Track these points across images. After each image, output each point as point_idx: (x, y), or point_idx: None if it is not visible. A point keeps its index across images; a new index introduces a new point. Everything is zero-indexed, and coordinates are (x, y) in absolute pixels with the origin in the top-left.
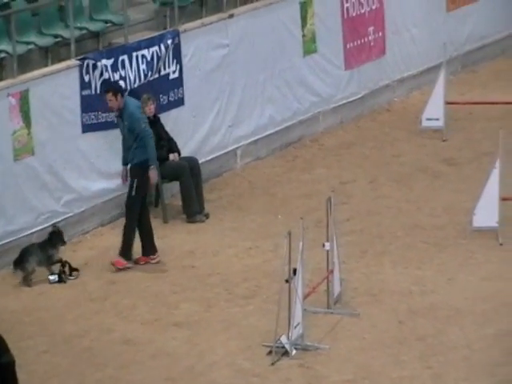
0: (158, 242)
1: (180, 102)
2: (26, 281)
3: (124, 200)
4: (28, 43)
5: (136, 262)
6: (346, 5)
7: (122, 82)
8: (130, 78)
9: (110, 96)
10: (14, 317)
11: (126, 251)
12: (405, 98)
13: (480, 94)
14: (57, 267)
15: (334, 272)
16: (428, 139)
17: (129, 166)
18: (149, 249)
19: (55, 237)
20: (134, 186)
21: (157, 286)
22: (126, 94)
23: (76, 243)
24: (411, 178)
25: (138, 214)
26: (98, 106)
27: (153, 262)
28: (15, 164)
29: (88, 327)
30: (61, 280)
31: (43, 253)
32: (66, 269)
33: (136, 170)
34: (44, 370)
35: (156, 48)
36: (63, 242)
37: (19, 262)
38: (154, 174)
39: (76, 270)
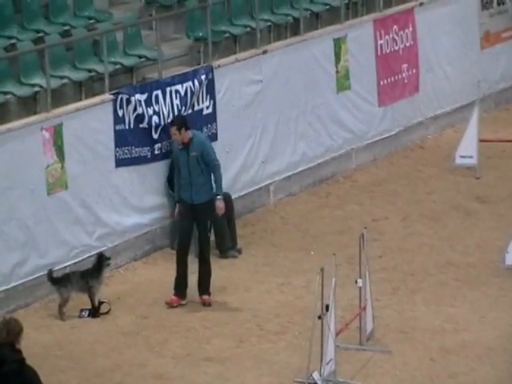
0: (190, 277)
1: (213, 137)
2: (61, 309)
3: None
4: (62, 77)
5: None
6: (379, 42)
7: (155, 117)
8: (163, 113)
9: (174, 130)
10: (45, 350)
11: (209, 286)
12: (438, 136)
13: None
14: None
15: (367, 309)
16: (461, 177)
17: (189, 202)
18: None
19: (98, 265)
20: (207, 224)
21: (188, 321)
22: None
23: (109, 277)
24: (444, 215)
25: None
26: (132, 141)
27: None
28: (48, 198)
29: (120, 362)
30: (93, 315)
31: (83, 281)
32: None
33: (208, 208)
34: None
35: (190, 83)
36: (109, 260)
37: (58, 283)
38: (222, 205)
39: (104, 302)
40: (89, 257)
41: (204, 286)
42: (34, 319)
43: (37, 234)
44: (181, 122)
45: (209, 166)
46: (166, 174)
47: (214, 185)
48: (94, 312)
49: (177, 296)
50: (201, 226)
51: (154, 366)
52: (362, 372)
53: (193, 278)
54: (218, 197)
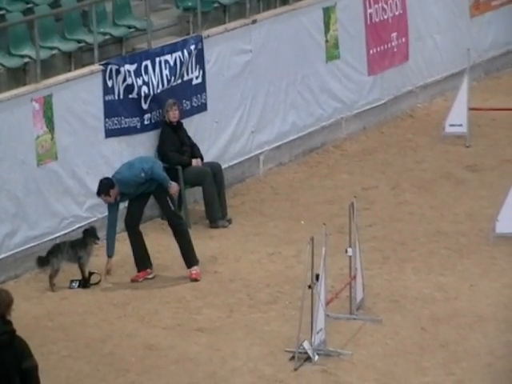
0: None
1: (203, 107)
2: (51, 280)
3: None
4: (51, 48)
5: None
6: (369, 11)
7: (144, 87)
8: (153, 83)
9: (103, 197)
10: (36, 322)
11: (195, 258)
12: (428, 104)
13: (503, 101)
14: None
15: (357, 278)
16: (451, 145)
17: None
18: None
19: (87, 236)
20: (169, 201)
21: (179, 292)
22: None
23: (98, 248)
24: (434, 184)
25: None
26: (121, 111)
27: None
28: (38, 169)
29: (110, 332)
30: (83, 286)
31: (73, 251)
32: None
33: (160, 191)
34: (66, 374)
35: (179, 53)
36: (96, 238)
37: (46, 258)
38: (174, 189)
39: (94, 273)
40: (79, 227)
41: (188, 257)
42: (25, 290)
43: (27, 205)
44: (104, 187)
45: (147, 175)
46: (156, 144)
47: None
48: (85, 283)
49: (140, 270)
50: (162, 205)
51: (145, 336)
52: (352, 341)
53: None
54: (168, 187)
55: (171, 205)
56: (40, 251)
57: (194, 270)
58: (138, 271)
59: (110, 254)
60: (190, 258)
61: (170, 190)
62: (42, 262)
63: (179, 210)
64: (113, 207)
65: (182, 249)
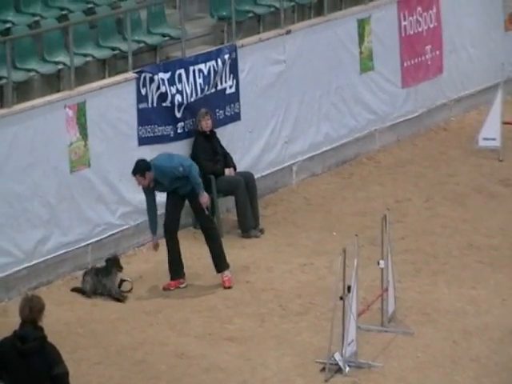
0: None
1: (236, 116)
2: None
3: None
4: (85, 55)
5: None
6: (403, 23)
7: (178, 96)
8: (186, 91)
9: (138, 177)
10: (67, 328)
11: (226, 263)
12: (461, 118)
13: None
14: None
15: (389, 290)
16: (484, 159)
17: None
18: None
19: (110, 265)
20: (204, 207)
21: (210, 300)
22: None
23: (131, 256)
24: (467, 197)
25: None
26: (155, 120)
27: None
28: (71, 176)
29: (141, 340)
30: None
31: (97, 279)
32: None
33: (194, 194)
34: (97, 381)
35: (213, 62)
36: (120, 268)
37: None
38: (205, 199)
39: (126, 280)
40: (111, 235)
41: (219, 261)
42: (57, 296)
43: (59, 212)
44: (141, 167)
45: (183, 175)
46: (189, 152)
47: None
48: (118, 300)
49: (173, 279)
50: (197, 209)
51: (176, 344)
52: (383, 353)
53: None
54: (200, 193)
55: (205, 208)
56: (72, 257)
57: (226, 275)
58: (171, 279)
59: (153, 231)
60: (220, 263)
61: (201, 198)
62: (79, 291)
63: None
64: (149, 192)
65: (212, 253)
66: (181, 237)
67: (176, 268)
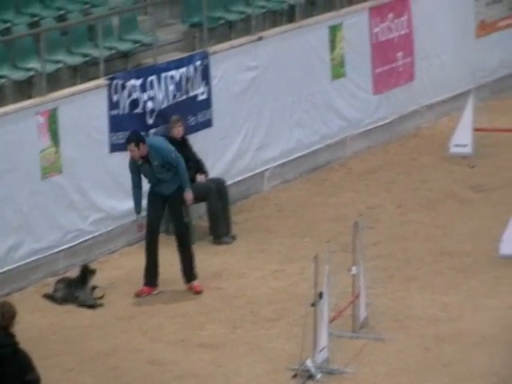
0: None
1: (208, 123)
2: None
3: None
4: (57, 62)
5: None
6: (375, 29)
7: (150, 103)
8: (158, 98)
9: (132, 147)
10: (40, 334)
11: (195, 273)
12: (433, 124)
13: (509, 122)
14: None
15: (360, 296)
16: (456, 165)
17: (160, 193)
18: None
19: (84, 275)
20: (184, 211)
21: (183, 307)
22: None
23: (103, 262)
24: (439, 203)
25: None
26: (126, 126)
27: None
28: (43, 182)
29: (114, 346)
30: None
31: (69, 291)
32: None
33: (180, 195)
34: None
35: (185, 69)
36: (92, 274)
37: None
38: (190, 196)
39: (97, 287)
40: (83, 241)
41: (189, 272)
42: (29, 303)
43: (31, 218)
44: (137, 137)
45: (172, 165)
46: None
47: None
48: (91, 307)
49: (147, 285)
50: (175, 213)
51: (149, 351)
52: (355, 360)
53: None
54: (186, 189)
55: (184, 214)
56: (45, 264)
57: (196, 283)
58: (145, 285)
59: (138, 211)
60: (190, 273)
61: (187, 194)
62: (50, 298)
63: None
64: (135, 170)
65: (183, 262)
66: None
67: (151, 275)
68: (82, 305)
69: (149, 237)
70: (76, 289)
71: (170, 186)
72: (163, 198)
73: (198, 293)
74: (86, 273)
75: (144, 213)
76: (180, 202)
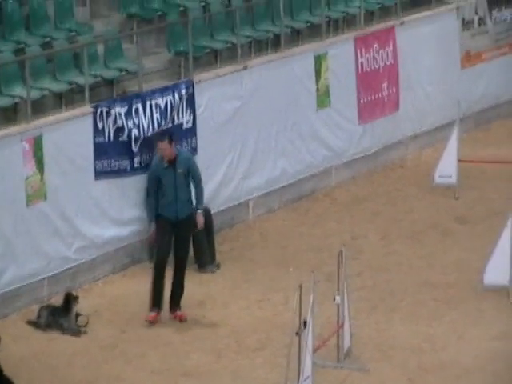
0: (169, 291)
1: (193, 152)
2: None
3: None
4: (42, 89)
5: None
6: (360, 59)
7: (135, 130)
8: (143, 125)
9: (165, 144)
10: (23, 362)
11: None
12: (418, 155)
13: (493, 153)
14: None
15: (345, 326)
16: (440, 196)
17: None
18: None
19: (68, 303)
20: (190, 238)
21: (167, 336)
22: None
23: (87, 290)
24: (423, 234)
25: None
26: (111, 153)
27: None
28: (27, 209)
29: (98, 374)
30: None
31: (54, 319)
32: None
33: (191, 221)
34: None
35: (170, 97)
36: (76, 302)
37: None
38: (202, 220)
39: (81, 315)
40: (67, 269)
41: (178, 300)
42: (12, 330)
43: (16, 245)
44: (171, 135)
45: (194, 180)
46: (145, 186)
47: (194, 199)
48: (75, 334)
49: (155, 312)
50: (184, 240)
51: (132, 379)
52: None
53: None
54: (199, 211)
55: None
56: (28, 291)
57: (180, 311)
58: (154, 311)
59: (151, 220)
60: (178, 301)
61: (199, 217)
62: (33, 324)
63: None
64: (154, 178)
65: (176, 289)
66: (137, 272)
67: (160, 300)
68: (66, 332)
69: (160, 265)
70: (60, 316)
71: (184, 207)
72: (172, 225)
73: (183, 321)
74: (70, 300)
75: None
76: (190, 229)
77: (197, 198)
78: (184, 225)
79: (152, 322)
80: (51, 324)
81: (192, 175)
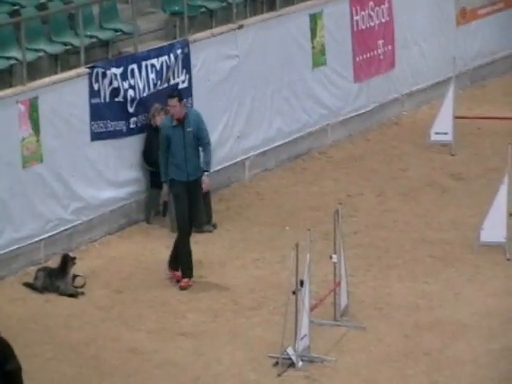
0: (166, 252)
1: None
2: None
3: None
4: (38, 50)
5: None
6: (355, 18)
7: (131, 91)
8: (139, 86)
9: (175, 102)
10: (20, 324)
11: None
12: (414, 112)
13: (489, 110)
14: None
15: (341, 284)
16: (436, 154)
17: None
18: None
19: (65, 264)
20: (205, 189)
21: (164, 296)
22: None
23: (83, 251)
24: (419, 192)
25: None
26: (107, 115)
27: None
28: (24, 171)
29: (94, 335)
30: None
31: (50, 281)
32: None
33: (200, 182)
34: (50, 377)
35: (165, 57)
36: (73, 263)
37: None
38: (208, 182)
39: (79, 276)
40: (64, 230)
41: (192, 268)
42: (9, 292)
43: (12, 207)
44: (180, 93)
45: (201, 141)
46: (142, 148)
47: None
48: (71, 296)
49: (187, 277)
50: (198, 200)
51: (129, 340)
52: (336, 348)
53: (166, 253)
54: (206, 173)
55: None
56: (25, 253)
57: (185, 279)
58: (186, 277)
59: (165, 179)
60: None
61: (205, 179)
62: (30, 286)
63: (164, 214)
64: (163, 136)
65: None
66: (134, 232)
67: (191, 268)
68: (63, 294)
69: (183, 232)
70: (57, 278)
71: (194, 169)
72: (187, 186)
73: (183, 289)
74: (67, 261)
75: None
76: (201, 189)
77: (204, 160)
78: (195, 185)
79: (185, 288)
80: (48, 286)
81: (199, 135)
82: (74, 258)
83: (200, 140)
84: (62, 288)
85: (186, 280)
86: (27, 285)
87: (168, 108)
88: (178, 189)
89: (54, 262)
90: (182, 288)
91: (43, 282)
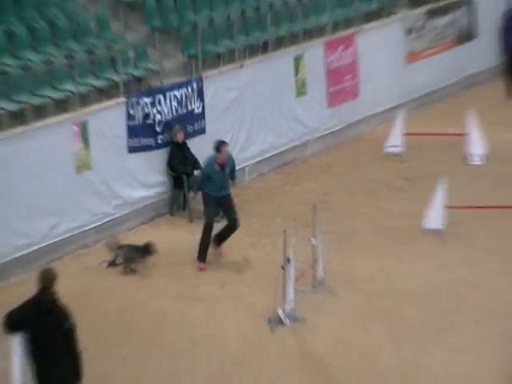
0: (186, 238)
1: (202, 131)
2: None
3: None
4: (87, 85)
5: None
6: (329, 59)
7: (158, 115)
8: (164, 112)
9: (227, 148)
10: (73, 295)
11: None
12: (373, 130)
13: (431, 128)
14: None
15: (318, 261)
16: (391, 162)
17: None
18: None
19: (149, 248)
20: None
21: (183, 271)
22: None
23: (122, 238)
24: (378, 191)
25: None
26: (140, 133)
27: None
28: (76, 176)
29: (129, 303)
30: (113, 265)
31: (135, 253)
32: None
33: (230, 197)
34: (97, 333)
35: (184, 90)
36: (154, 251)
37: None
38: (234, 188)
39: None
40: (107, 221)
41: (225, 239)
42: (65, 269)
43: (67, 204)
44: (223, 142)
45: (232, 175)
46: (167, 158)
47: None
48: (112, 264)
49: (203, 263)
50: (231, 208)
51: (156, 305)
52: (315, 310)
53: (186, 238)
54: (235, 181)
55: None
56: (78, 239)
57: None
58: (202, 262)
59: (199, 190)
60: (224, 239)
61: (235, 184)
62: (112, 264)
63: (184, 208)
64: (204, 175)
65: (223, 240)
66: (161, 223)
67: (206, 256)
68: (131, 268)
69: (208, 228)
70: (141, 254)
71: (226, 190)
72: (216, 199)
73: (222, 256)
74: (150, 247)
75: None
76: (232, 200)
77: (231, 176)
78: (224, 198)
79: (201, 270)
80: (129, 257)
81: (232, 173)
82: (155, 249)
83: (232, 174)
84: (137, 263)
85: (201, 264)
86: (110, 264)
87: (217, 154)
88: (210, 198)
89: (99, 248)
90: (199, 270)
91: (127, 253)
